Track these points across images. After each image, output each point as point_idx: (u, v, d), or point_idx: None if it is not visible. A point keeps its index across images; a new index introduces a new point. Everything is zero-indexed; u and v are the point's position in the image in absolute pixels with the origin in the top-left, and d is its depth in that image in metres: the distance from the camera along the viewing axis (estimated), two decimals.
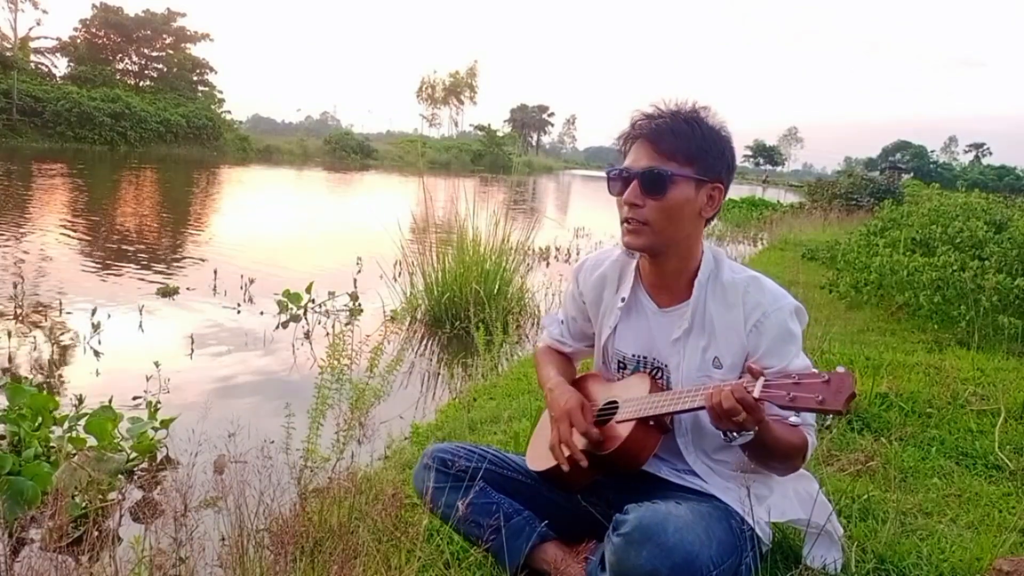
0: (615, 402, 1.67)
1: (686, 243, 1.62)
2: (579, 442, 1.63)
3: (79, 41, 52.00)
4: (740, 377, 1.43)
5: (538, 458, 1.80)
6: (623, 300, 1.73)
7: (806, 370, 1.35)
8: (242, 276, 6.72)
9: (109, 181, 20.79)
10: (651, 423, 1.58)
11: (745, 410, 1.35)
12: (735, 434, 1.40)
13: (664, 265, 1.66)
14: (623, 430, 1.59)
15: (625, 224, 1.60)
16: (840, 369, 1.29)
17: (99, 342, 4.77)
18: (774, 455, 1.51)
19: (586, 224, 12.78)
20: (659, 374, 1.69)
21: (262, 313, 5.93)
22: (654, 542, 1.39)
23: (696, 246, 1.64)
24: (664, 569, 1.37)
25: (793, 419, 1.36)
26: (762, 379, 1.34)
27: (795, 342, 1.56)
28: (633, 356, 1.74)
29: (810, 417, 1.57)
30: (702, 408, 1.43)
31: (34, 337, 4.73)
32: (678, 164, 1.55)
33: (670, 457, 1.69)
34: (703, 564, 1.41)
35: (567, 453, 1.63)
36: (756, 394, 1.33)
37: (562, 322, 1.95)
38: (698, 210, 1.58)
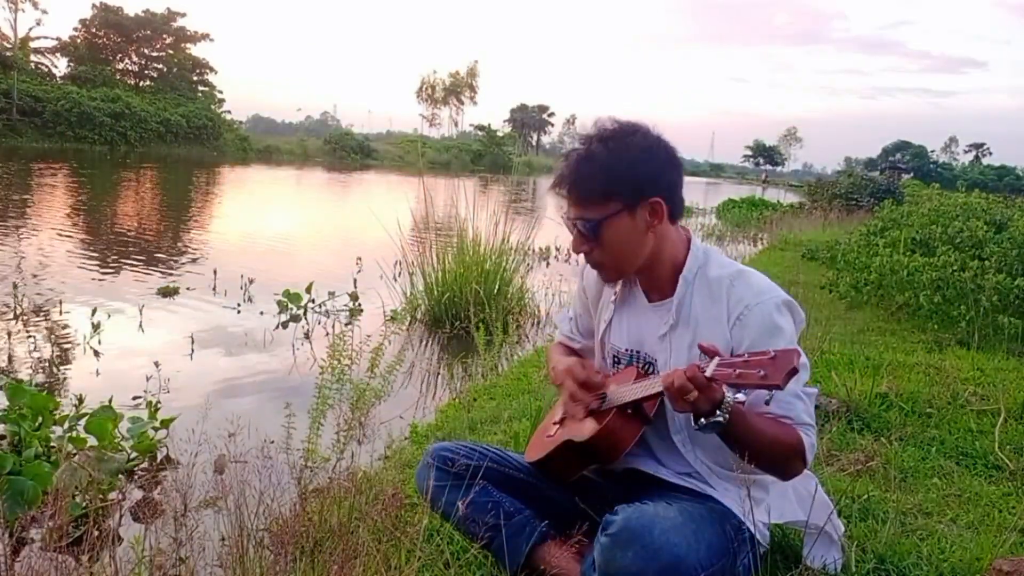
0: (604, 395, 1.68)
1: (654, 254, 1.62)
2: (559, 437, 1.69)
3: (79, 41, 52.03)
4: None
5: (534, 448, 1.84)
6: (615, 295, 1.75)
7: (757, 350, 1.35)
8: (242, 276, 6.72)
9: (109, 181, 20.79)
10: (629, 411, 1.59)
11: (696, 388, 1.34)
12: (703, 420, 1.39)
13: (644, 272, 1.67)
14: (602, 418, 1.61)
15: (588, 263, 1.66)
16: (790, 346, 1.30)
17: (99, 342, 4.77)
18: (760, 451, 1.48)
19: None
20: (650, 368, 1.69)
21: (262, 313, 5.93)
22: (640, 543, 1.39)
23: (669, 249, 1.62)
24: (650, 571, 1.37)
25: (739, 396, 1.35)
26: (717, 359, 1.35)
27: (781, 336, 1.51)
28: (626, 351, 1.75)
29: (805, 415, 1.55)
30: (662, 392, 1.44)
31: (34, 337, 4.73)
32: (598, 205, 1.55)
33: (670, 458, 1.69)
34: (690, 566, 1.41)
35: (580, 408, 1.66)
36: (708, 373, 1.34)
37: (571, 319, 1.97)
38: (644, 230, 1.57)
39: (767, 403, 1.39)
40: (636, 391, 1.56)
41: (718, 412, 1.37)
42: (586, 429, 1.64)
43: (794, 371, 1.26)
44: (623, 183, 1.53)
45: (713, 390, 1.35)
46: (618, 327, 1.76)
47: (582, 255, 1.64)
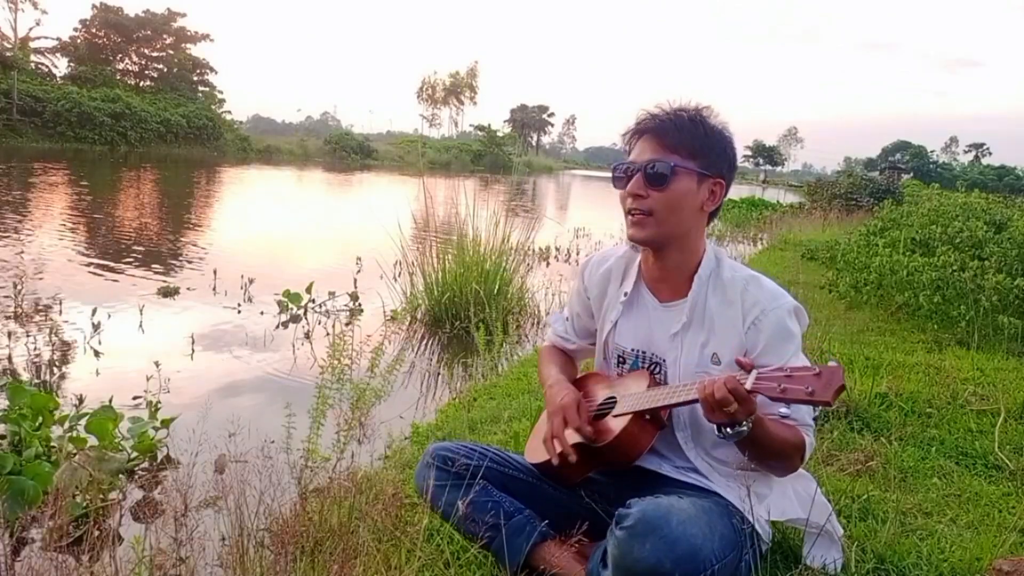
0: (613, 398, 1.68)
1: (688, 237, 1.64)
2: (571, 437, 1.66)
3: (79, 41, 51.99)
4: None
5: (534, 451, 1.83)
6: (625, 294, 1.75)
7: (799, 364, 1.37)
8: (242, 276, 6.72)
9: (109, 181, 20.79)
10: (647, 417, 1.60)
11: (737, 401, 1.36)
12: (728, 429, 1.40)
13: (666, 259, 1.67)
14: (618, 424, 1.60)
15: (629, 216, 1.63)
16: (832, 363, 1.31)
17: (99, 342, 4.77)
18: (770, 453, 1.51)
19: (586, 224, 12.78)
20: (657, 369, 1.70)
21: (262, 313, 5.93)
22: (658, 534, 1.39)
23: (698, 241, 1.66)
24: (668, 561, 1.37)
25: (782, 410, 1.36)
26: (755, 371, 1.35)
27: (793, 341, 1.56)
28: (632, 351, 1.75)
29: (808, 416, 1.57)
30: (696, 401, 1.44)
31: (34, 337, 4.73)
32: (681, 157, 1.58)
33: (672, 454, 1.70)
34: (706, 557, 1.42)
35: (558, 448, 1.65)
36: (748, 386, 1.34)
37: (567, 319, 1.97)
38: (700, 204, 1.61)
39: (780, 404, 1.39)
40: (663, 398, 1.55)
41: (744, 422, 1.39)
42: (600, 433, 1.64)
43: (842, 388, 1.27)
44: (710, 151, 1.60)
45: (752, 402, 1.37)
46: (625, 327, 1.76)
47: (631, 200, 1.60)
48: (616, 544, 1.44)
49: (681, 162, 1.58)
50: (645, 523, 1.41)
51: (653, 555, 1.38)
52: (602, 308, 1.83)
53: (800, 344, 1.58)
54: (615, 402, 1.68)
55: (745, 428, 1.39)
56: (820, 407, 1.31)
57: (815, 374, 1.29)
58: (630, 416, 1.59)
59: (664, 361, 1.68)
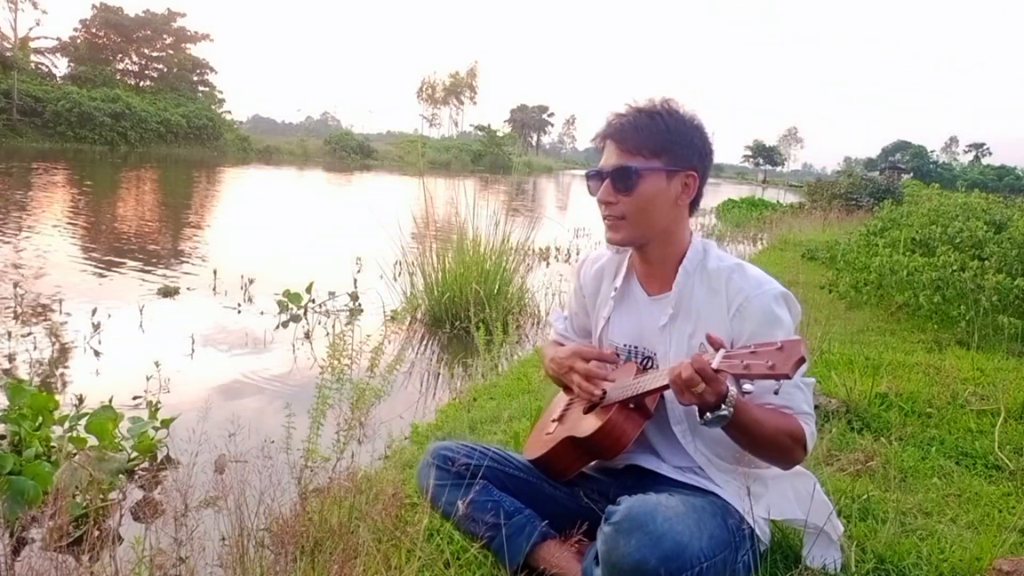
0: (604, 391, 1.68)
1: (667, 232, 1.65)
2: (559, 433, 1.70)
3: (79, 41, 52.05)
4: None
5: (533, 446, 1.84)
6: (615, 290, 1.76)
7: (763, 340, 1.35)
8: (242, 276, 6.72)
9: (109, 181, 20.80)
10: (631, 406, 1.60)
11: (703, 380, 1.35)
12: (708, 414, 1.39)
13: (650, 254, 1.68)
14: (604, 415, 1.61)
15: (604, 221, 1.66)
16: (794, 336, 1.32)
17: (99, 342, 4.77)
18: (763, 442, 1.49)
19: (586, 224, 12.78)
20: (649, 363, 1.70)
21: (262, 313, 5.93)
22: (643, 531, 1.39)
23: (680, 233, 1.66)
24: (653, 558, 1.37)
25: (747, 387, 1.34)
26: (722, 351, 1.35)
27: (781, 327, 1.54)
28: (625, 346, 1.76)
29: (804, 404, 1.56)
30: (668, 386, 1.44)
31: (34, 337, 4.73)
32: (644, 158, 1.59)
33: (671, 454, 1.70)
34: (693, 555, 1.41)
35: (595, 387, 1.66)
36: (715, 365, 1.34)
37: (566, 318, 1.98)
38: (673, 199, 1.62)
39: (776, 393, 1.39)
40: (641, 385, 1.56)
41: (723, 406, 1.38)
42: (588, 425, 1.65)
43: (802, 360, 1.26)
44: (675, 146, 1.60)
45: (719, 382, 1.36)
46: (617, 323, 1.77)
47: (603, 207, 1.64)
48: (603, 540, 1.44)
49: (645, 164, 1.58)
50: (631, 519, 1.41)
51: (638, 551, 1.38)
52: (596, 306, 1.84)
53: (791, 330, 1.55)
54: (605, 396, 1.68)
55: (725, 412, 1.38)
56: (780, 380, 1.29)
57: (777, 348, 1.28)
58: (615, 406, 1.59)
59: (655, 355, 1.69)
